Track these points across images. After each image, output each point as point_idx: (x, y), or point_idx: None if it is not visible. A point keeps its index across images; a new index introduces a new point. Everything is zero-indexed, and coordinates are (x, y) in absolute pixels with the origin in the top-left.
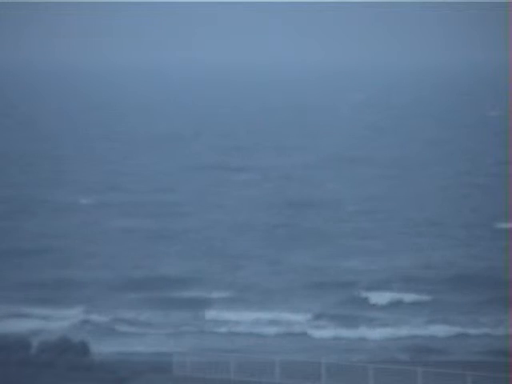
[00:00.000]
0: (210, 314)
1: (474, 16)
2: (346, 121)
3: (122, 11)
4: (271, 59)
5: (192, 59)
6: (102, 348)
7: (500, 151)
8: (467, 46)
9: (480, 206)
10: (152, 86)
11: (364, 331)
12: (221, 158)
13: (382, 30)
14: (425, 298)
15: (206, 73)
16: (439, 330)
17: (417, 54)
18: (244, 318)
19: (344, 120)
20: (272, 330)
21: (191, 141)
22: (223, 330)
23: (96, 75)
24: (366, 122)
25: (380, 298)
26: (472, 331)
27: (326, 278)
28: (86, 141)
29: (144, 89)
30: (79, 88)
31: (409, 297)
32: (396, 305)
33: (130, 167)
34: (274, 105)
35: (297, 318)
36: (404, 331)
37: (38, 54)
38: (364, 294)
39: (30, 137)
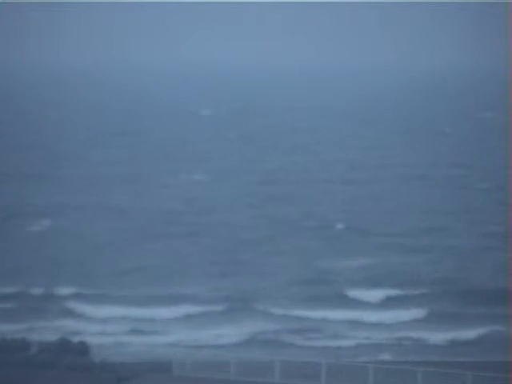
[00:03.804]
0: None
1: (473, 16)
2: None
3: (123, 11)
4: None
5: (192, 60)
6: None
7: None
8: (467, 46)
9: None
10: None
11: None
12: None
13: (380, 30)
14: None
15: (208, 74)
16: None
17: (415, 55)
18: None
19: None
20: None
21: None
22: None
23: (101, 77)
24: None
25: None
26: None
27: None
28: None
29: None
30: (81, 89)
31: None
32: None
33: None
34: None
35: None
36: None
37: (37, 55)
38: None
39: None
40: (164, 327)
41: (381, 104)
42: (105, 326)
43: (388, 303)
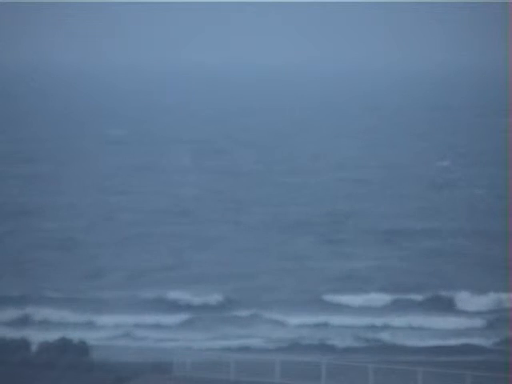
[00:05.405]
0: None
1: (473, 16)
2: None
3: (124, 11)
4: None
5: (193, 61)
6: None
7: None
8: (466, 46)
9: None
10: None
11: None
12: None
13: (380, 30)
14: None
15: (209, 75)
16: None
17: (415, 55)
18: None
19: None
20: None
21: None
22: None
23: (100, 78)
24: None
25: None
26: None
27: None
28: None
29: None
30: (81, 90)
31: None
32: None
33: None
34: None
35: None
36: None
37: (37, 55)
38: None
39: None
40: (164, 333)
41: (380, 104)
42: (99, 332)
43: (385, 307)
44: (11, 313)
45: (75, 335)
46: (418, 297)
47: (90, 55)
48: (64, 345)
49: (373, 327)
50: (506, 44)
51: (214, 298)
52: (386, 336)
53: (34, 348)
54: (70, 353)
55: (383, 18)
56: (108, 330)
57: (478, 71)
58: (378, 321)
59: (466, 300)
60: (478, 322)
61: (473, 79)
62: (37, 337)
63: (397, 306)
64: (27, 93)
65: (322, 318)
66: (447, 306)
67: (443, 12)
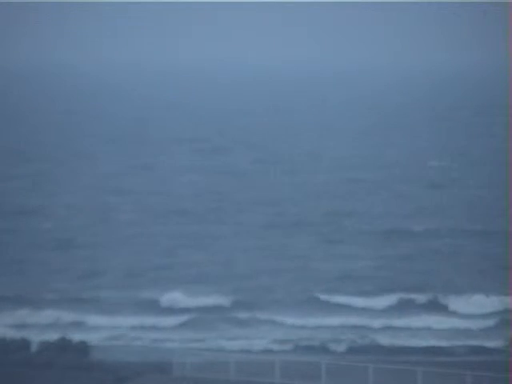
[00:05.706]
0: None
1: (473, 16)
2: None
3: (124, 11)
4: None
5: (192, 61)
6: None
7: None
8: (466, 46)
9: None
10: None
11: None
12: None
13: (380, 30)
14: None
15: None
16: None
17: (415, 55)
18: None
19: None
20: None
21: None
22: None
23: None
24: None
25: None
26: None
27: None
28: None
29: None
30: (79, 90)
31: None
32: None
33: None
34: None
35: None
36: None
37: (37, 55)
38: None
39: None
40: (163, 334)
41: (380, 103)
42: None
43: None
44: (11, 313)
45: (75, 335)
46: (418, 297)
47: (90, 55)
48: (64, 345)
49: (373, 327)
50: (506, 44)
51: (214, 298)
52: (386, 336)
53: (33, 348)
54: (70, 353)
55: (383, 18)
56: (106, 331)
57: (478, 71)
58: (378, 321)
59: (466, 300)
60: (477, 322)
61: (473, 79)
62: (37, 337)
63: (397, 307)
64: (27, 93)
65: (321, 319)
66: (447, 306)
67: (443, 12)
